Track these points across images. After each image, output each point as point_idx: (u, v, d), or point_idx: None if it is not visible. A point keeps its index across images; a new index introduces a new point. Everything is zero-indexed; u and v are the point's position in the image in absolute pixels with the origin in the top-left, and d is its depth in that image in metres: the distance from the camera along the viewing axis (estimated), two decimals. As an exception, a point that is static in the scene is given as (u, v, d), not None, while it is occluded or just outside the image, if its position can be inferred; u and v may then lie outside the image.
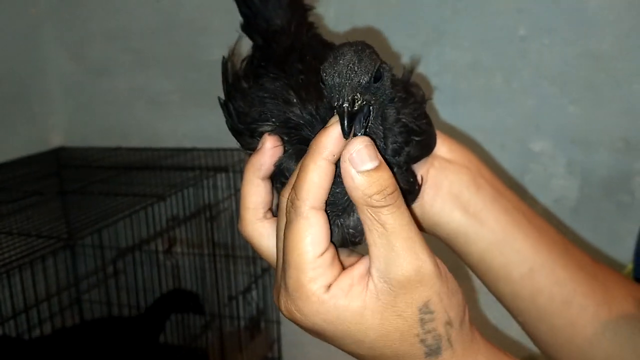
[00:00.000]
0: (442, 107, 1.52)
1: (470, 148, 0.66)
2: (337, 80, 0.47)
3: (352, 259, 0.51)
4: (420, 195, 0.57)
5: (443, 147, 0.64)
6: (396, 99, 0.54)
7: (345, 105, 0.46)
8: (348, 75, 0.46)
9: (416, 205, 0.58)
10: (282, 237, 0.49)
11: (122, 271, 1.63)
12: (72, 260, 1.60)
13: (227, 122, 0.59)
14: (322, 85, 0.48)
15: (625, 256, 1.38)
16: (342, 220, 0.52)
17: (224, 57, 0.62)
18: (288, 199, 0.49)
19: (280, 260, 0.50)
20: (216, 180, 1.66)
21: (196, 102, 1.75)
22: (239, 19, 0.70)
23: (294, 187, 0.48)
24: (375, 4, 1.53)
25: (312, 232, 0.47)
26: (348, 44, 0.49)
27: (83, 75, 1.89)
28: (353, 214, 0.52)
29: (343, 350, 0.51)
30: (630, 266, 1.12)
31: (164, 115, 1.82)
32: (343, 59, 0.47)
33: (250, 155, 0.56)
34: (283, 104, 0.54)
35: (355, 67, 0.47)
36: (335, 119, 0.47)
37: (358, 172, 0.46)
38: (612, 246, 1.47)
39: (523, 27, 1.44)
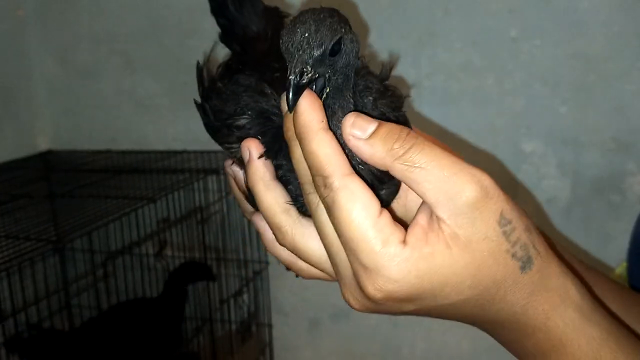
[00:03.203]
0: (434, 107, 1.53)
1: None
2: (291, 49, 0.45)
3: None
4: (403, 194, 0.55)
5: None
6: (373, 90, 0.53)
7: (292, 77, 0.44)
8: (301, 45, 0.45)
9: (398, 204, 0.56)
10: (329, 232, 0.47)
11: (112, 275, 1.61)
12: (62, 264, 1.58)
13: (203, 121, 0.58)
14: (283, 52, 0.47)
15: (617, 256, 1.39)
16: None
17: (198, 62, 0.61)
18: (315, 186, 0.46)
19: (340, 255, 0.47)
20: (207, 182, 1.65)
21: (185, 104, 1.72)
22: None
23: (314, 173, 0.46)
24: (367, 4, 1.53)
25: (358, 197, 0.44)
26: (312, 9, 0.47)
27: (70, 78, 1.87)
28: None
29: (443, 311, 0.48)
30: (619, 270, 1.12)
31: (153, 118, 1.80)
32: (300, 27, 0.46)
33: (228, 150, 0.55)
34: (258, 95, 0.53)
35: (310, 38, 0.45)
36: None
37: (367, 139, 0.45)
38: (603, 246, 1.48)
39: (514, 28, 1.44)
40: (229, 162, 0.58)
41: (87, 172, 1.64)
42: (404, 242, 0.44)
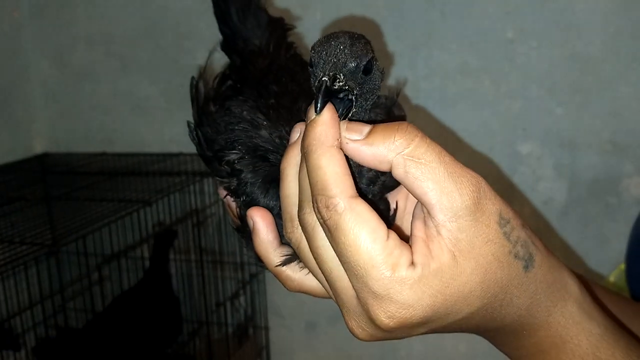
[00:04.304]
0: (431, 109, 1.52)
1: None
2: (324, 57, 0.44)
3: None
4: (400, 223, 0.54)
5: None
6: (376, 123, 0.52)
7: (325, 79, 0.43)
8: (336, 54, 0.44)
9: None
10: (329, 257, 0.44)
11: (107, 278, 1.60)
12: (57, 267, 1.58)
13: (196, 149, 0.57)
14: (310, 68, 0.45)
15: (613, 257, 1.39)
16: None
17: (193, 78, 0.59)
18: (315, 210, 0.43)
19: (343, 282, 0.44)
20: (203, 185, 1.65)
21: (182, 106, 1.72)
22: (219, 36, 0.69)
23: (316, 191, 0.43)
24: (363, 7, 1.52)
25: (365, 220, 0.42)
26: (344, 31, 0.46)
27: (66, 80, 1.87)
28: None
29: (450, 328, 0.46)
30: (612, 278, 1.12)
31: (150, 120, 1.80)
32: (335, 40, 0.44)
33: (221, 183, 0.54)
34: (251, 128, 0.52)
35: (346, 50, 0.44)
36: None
37: (365, 139, 0.43)
38: (600, 248, 1.48)
39: (511, 30, 1.44)
40: (222, 191, 0.56)
41: (83, 174, 1.64)
42: (412, 262, 0.42)
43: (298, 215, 0.46)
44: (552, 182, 1.50)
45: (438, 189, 0.42)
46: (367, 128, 0.44)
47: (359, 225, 0.42)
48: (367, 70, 0.45)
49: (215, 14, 0.67)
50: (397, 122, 0.44)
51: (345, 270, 0.43)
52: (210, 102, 0.58)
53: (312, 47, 0.45)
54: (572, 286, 0.49)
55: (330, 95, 0.43)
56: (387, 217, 0.51)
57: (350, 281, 0.44)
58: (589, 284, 0.66)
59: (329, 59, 0.44)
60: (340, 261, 0.43)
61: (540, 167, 1.50)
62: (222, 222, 1.71)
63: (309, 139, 0.43)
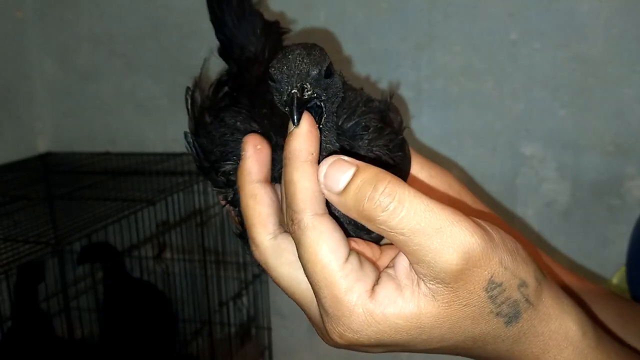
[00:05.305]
0: (434, 111, 1.52)
1: (451, 171, 0.65)
2: (286, 72, 0.45)
3: (375, 250, 0.47)
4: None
5: (422, 173, 0.62)
6: (371, 129, 0.52)
7: (294, 91, 0.44)
8: (297, 66, 0.45)
9: None
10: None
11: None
12: (60, 266, 1.58)
13: (194, 160, 0.57)
14: (271, 84, 0.46)
15: (616, 259, 1.39)
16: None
17: (188, 88, 0.59)
18: (287, 218, 0.44)
19: (309, 292, 0.45)
20: (206, 185, 1.65)
21: (185, 106, 1.73)
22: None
23: (287, 205, 0.44)
24: (366, 7, 1.53)
25: (326, 240, 0.42)
26: (297, 43, 0.48)
27: (70, 80, 1.87)
28: None
29: (418, 352, 0.46)
30: (615, 280, 1.12)
31: (153, 120, 1.80)
32: (292, 54, 0.46)
33: (219, 193, 0.54)
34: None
35: (305, 59, 0.45)
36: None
37: (339, 194, 0.42)
38: (602, 249, 1.48)
39: (514, 32, 1.44)
40: (222, 200, 0.56)
41: (87, 174, 1.64)
42: (372, 291, 0.42)
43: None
44: (555, 184, 1.50)
45: (420, 256, 0.40)
46: (344, 179, 0.42)
47: (319, 243, 0.42)
48: (329, 74, 0.46)
49: (212, 21, 0.67)
50: (375, 178, 0.41)
51: (309, 283, 0.44)
52: (205, 112, 0.58)
53: (271, 65, 0.46)
54: (574, 332, 0.47)
55: (303, 106, 0.44)
56: None
57: (313, 293, 0.44)
58: (598, 289, 0.66)
59: (292, 71, 0.45)
60: (305, 273, 0.44)
61: (543, 169, 1.50)
62: (225, 222, 1.71)
63: (285, 152, 0.44)
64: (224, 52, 0.67)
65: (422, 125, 1.52)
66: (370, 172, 0.42)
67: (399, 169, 0.55)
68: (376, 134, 0.52)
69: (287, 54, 0.46)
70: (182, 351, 1.66)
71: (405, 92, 1.53)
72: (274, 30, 0.67)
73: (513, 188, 1.52)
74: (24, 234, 1.29)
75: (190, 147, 0.57)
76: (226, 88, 0.61)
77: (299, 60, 0.45)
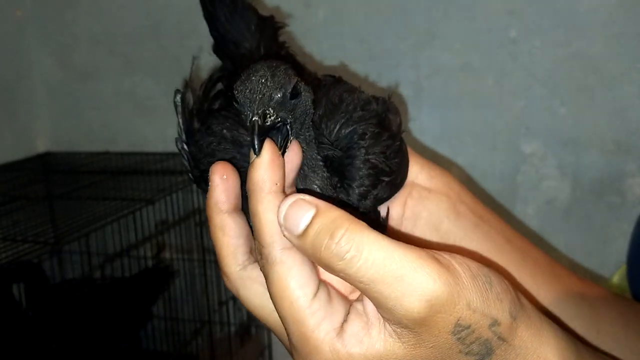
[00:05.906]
0: (433, 109, 1.52)
1: (451, 172, 0.64)
2: (249, 96, 0.44)
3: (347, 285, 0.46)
4: (398, 229, 0.54)
5: (422, 174, 0.61)
6: (368, 135, 0.51)
7: (255, 118, 0.43)
8: (260, 90, 0.44)
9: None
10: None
11: (109, 277, 1.60)
12: (59, 266, 1.58)
13: (185, 167, 0.57)
14: (236, 105, 0.45)
15: (616, 257, 1.38)
16: None
17: (177, 91, 0.57)
18: (255, 251, 0.43)
19: (279, 323, 0.44)
20: (206, 184, 1.64)
21: (175, 111, 1.73)
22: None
23: (255, 237, 0.43)
24: (365, 5, 1.52)
25: (294, 275, 0.41)
26: (262, 61, 0.46)
27: (69, 79, 1.87)
28: None
29: None
30: (616, 279, 1.12)
31: (152, 119, 1.80)
32: (255, 75, 0.44)
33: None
34: (232, 147, 0.52)
35: (268, 82, 0.44)
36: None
37: (298, 238, 0.41)
38: (603, 247, 1.48)
39: (514, 29, 1.44)
40: None
41: (86, 173, 1.64)
42: (340, 328, 0.41)
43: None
44: (555, 182, 1.49)
45: (380, 304, 0.39)
46: (302, 224, 0.41)
47: (287, 279, 0.41)
48: (294, 95, 0.45)
49: (205, 18, 0.66)
50: (334, 223, 0.40)
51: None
52: (194, 118, 0.57)
53: (235, 87, 0.45)
54: None
55: (265, 133, 0.43)
56: (380, 225, 0.51)
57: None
58: (600, 289, 0.65)
59: (254, 96, 0.44)
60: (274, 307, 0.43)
61: (543, 167, 1.49)
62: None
63: (248, 184, 0.43)
64: (218, 49, 0.66)
65: (421, 123, 1.51)
66: (329, 216, 0.40)
67: (399, 173, 0.54)
68: (373, 141, 0.51)
69: (251, 75, 0.45)
70: (181, 351, 1.66)
71: (404, 91, 1.53)
72: (269, 25, 0.66)
73: (513, 186, 1.51)
74: (23, 233, 1.29)
75: (181, 154, 0.57)
76: (219, 85, 0.60)
77: (262, 83, 0.44)
